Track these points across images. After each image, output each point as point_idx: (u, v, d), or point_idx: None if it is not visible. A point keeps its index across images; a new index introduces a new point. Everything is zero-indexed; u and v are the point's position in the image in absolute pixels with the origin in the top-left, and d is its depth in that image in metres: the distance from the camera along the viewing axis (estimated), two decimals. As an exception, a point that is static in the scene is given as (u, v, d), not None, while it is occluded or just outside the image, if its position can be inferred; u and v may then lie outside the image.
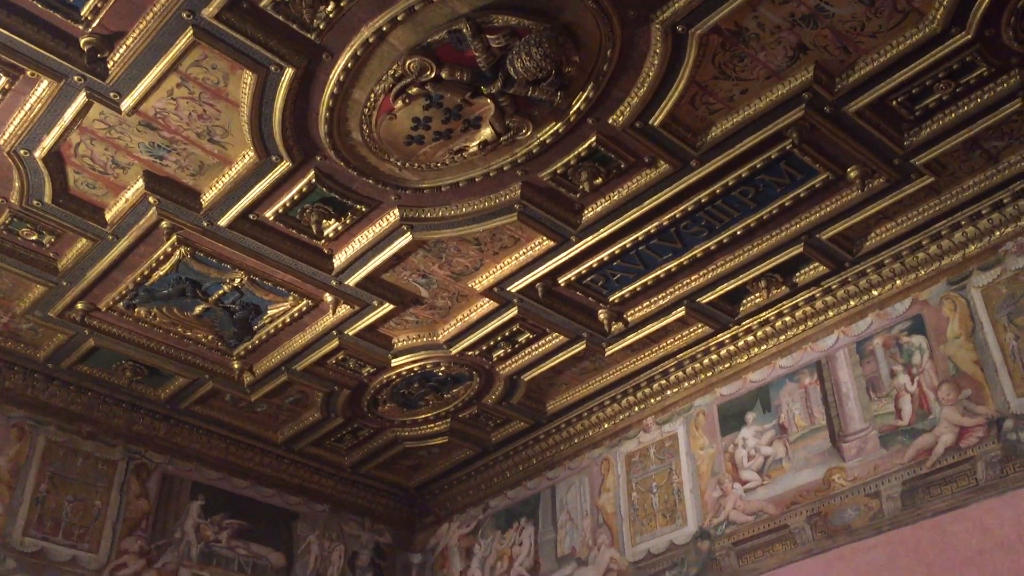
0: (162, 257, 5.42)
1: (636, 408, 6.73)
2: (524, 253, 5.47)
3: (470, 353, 6.32)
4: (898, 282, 5.54)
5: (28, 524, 6.05)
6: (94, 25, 3.99)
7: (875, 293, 5.64)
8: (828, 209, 5.18)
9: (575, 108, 4.47)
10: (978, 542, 4.77)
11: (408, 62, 4.12)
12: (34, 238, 5.27)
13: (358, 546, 7.65)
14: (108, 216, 5.10)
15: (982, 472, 4.87)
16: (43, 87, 4.31)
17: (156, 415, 6.80)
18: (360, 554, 7.63)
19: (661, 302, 5.93)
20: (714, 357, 6.30)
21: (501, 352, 6.35)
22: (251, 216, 5.10)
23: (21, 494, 6.09)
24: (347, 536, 7.62)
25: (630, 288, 5.80)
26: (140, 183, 4.87)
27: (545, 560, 6.93)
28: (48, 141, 4.60)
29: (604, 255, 5.44)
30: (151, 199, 4.93)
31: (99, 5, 3.91)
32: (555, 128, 4.58)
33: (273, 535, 7.19)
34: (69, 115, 4.44)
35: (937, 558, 4.90)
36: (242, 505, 7.11)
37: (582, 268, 5.57)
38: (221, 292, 5.75)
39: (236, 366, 6.40)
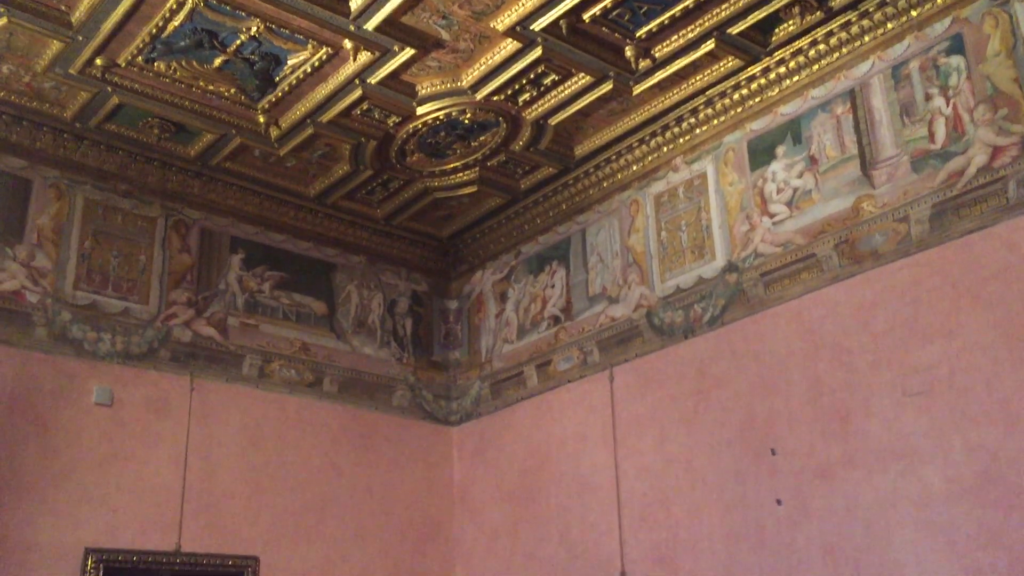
0: (175, 6, 5.30)
1: (665, 148, 6.69)
2: (547, -15, 5.26)
3: (495, 98, 6.24)
4: (938, 0, 5.30)
5: (78, 279, 6.32)
6: None
7: (914, 14, 5.40)
8: (867, -79, 4.87)
9: None
10: (1004, 258, 4.83)
11: None
12: (43, -10, 5.15)
13: (396, 294, 7.93)
14: (116, -38, 4.94)
15: (1013, 191, 4.85)
16: None
17: (189, 172, 6.89)
18: (399, 302, 7.92)
19: (690, 35, 5.73)
20: (744, 92, 6.18)
21: (527, 96, 6.26)
22: (261, -44, 4.92)
23: (67, 251, 6.32)
24: (385, 285, 7.88)
25: (658, 21, 5.60)
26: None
27: (577, 300, 7.15)
28: None
29: (630, -16, 5.22)
30: (157, -60, 4.75)
31: None
32: None
33: (314, 285, 7.45)
34: None
35: (962, 276, 4.98)
36: (281, 258, 7.33)
37: (607, 1, 5.37)
38: (238, 43, 5.65)
39: (262, 120, 6.39)
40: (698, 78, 6.18)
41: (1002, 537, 4.59)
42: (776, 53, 5.90)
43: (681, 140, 6.58)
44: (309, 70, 5.90)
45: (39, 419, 5.90)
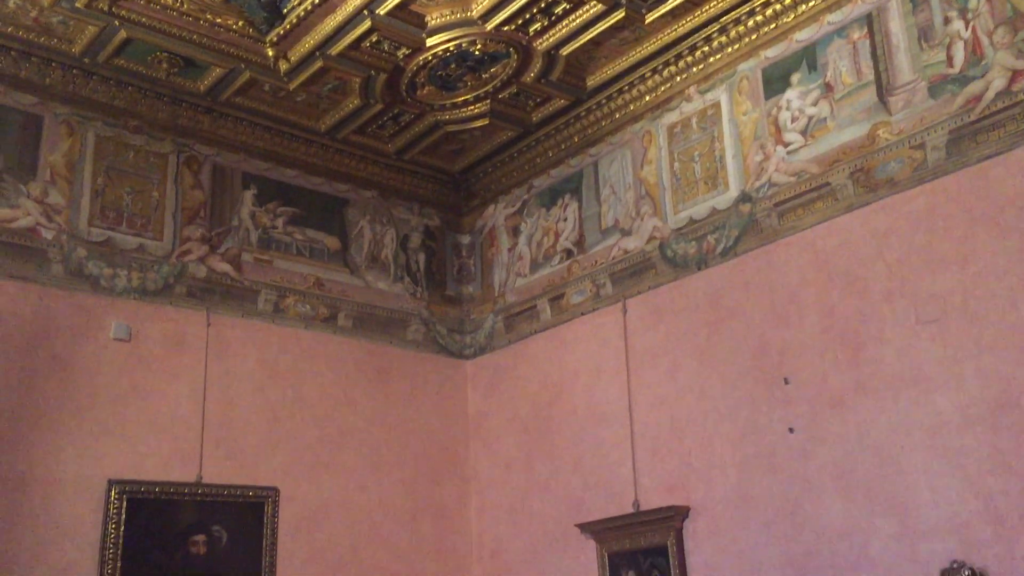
0: (177, -66, 5.23)
1: (678, 78, 6.61)
2: (557, -93, 5.16)
3: (506, 28, 6.16)
4: (959, -80, 5.18)
5: (92, 215, 6.34)
6: None
7: (933, -66, 5.29)
8: None
9: None
10: (1020, 184, 4.78)
11: None
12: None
13: (409, 229, 7.93)
14: None
15: (1032, 116, 4.79)
16: None
17: (199, 108, 6.85)
18: (411, 237, 7.92)
19: (703, -40, 5.64)
20: (759, 18, 6.07)
21: (538, 25, 6.17)
22: None
23: (80, 188, 6.33)
24: (397, 220, 7.88)
25: (670, -54, 5.50)
26: None
27: (590, 233, 7.14)
28: None
29: (642, -94, 5.11)
30: None
31: None
32: None
33: (326, 221, 7.45)
34: None
35: (978, 203, 4.94)
36: (293, 193, 7.32)
37: (619, -75, 5.27)
38: (245, -27, 5.59)
39: (270, 53, 6.34)
40: (712, 5, 6.08)
41: (1014, 463, 4.62)
42: (792, -23, 5.79)
43: (694, 69, 6.49)
44: (317, 1, 5.83)
45: (58, 354, 5.98)
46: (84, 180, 6.35)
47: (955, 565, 4.64)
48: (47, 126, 6.30)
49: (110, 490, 5.91)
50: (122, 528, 5.88)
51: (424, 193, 8.05)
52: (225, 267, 6.82)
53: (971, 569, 4.58)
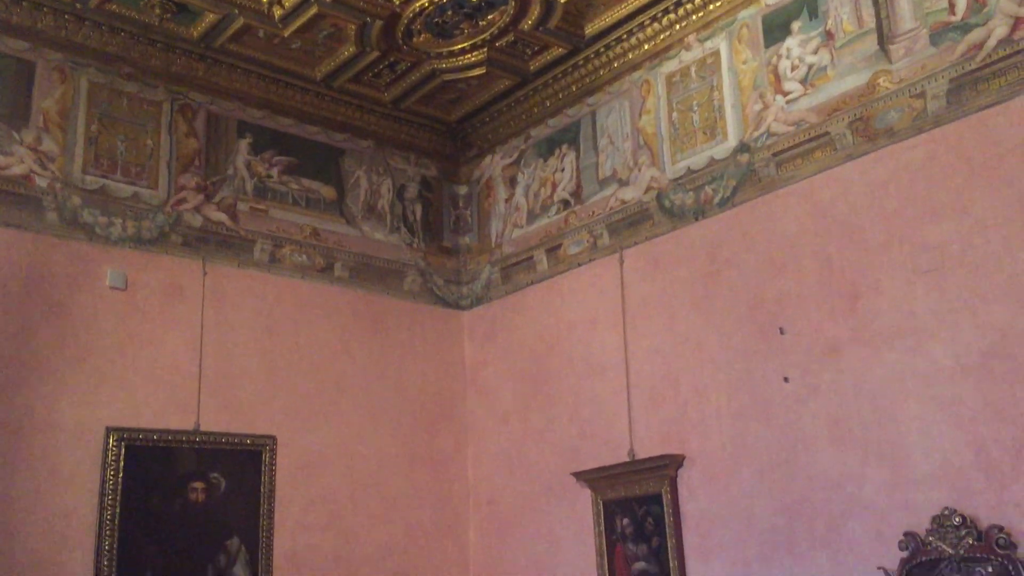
0: None
1: (677, 26, 6.53)
2: None
3: (504, -27, 6.08)
4: None
5: (86, 163, 6.28)
6: None
7: None
8: None
9: None
10: (1020, 133, 4.75)
11: None
12: None
13: (405, 179, 7.89)
14: None
15: (1033, 64, 4.75)
16: None
17: (192, 55, 6.76)
18: (408, 187, 7.88)
19: (705, -96, 5.55)
20: (760, -35, 6.00)
21: (536, -29, 6.09)
22: None
23: (74, 135, 6.27)
24: (394, 170, 7.83)
25: None
26: None
27: (587, 183, 7.11)
28: None
29: None
30: None
31: None
32: None
33: (322, 170, 7.40)
34: None
35: (977, 152, 4.92)
36: (289, 142, 7.27)
37: None
38: (239, -84, 5.49)
39: (265, -1, 6.26)
40: (713, -49, 6.00)
41: (1007, 412, 4.65)
42: (794, -77, 5.70)
43: (694, 17, 6.42)
44: (311, -56, 5.74)
45: (54, 302, 5.97)
46: (77, 127, 6.30)
47: (946, 512, 4.68)
48: (39, 72, 6.22)
49: (108, 437, 5.93)
50: (121, 475, 5.92)
51: (421, 143, 7.99)
52: (221, 216, 6.79)
53: (962, 516, 4.63)
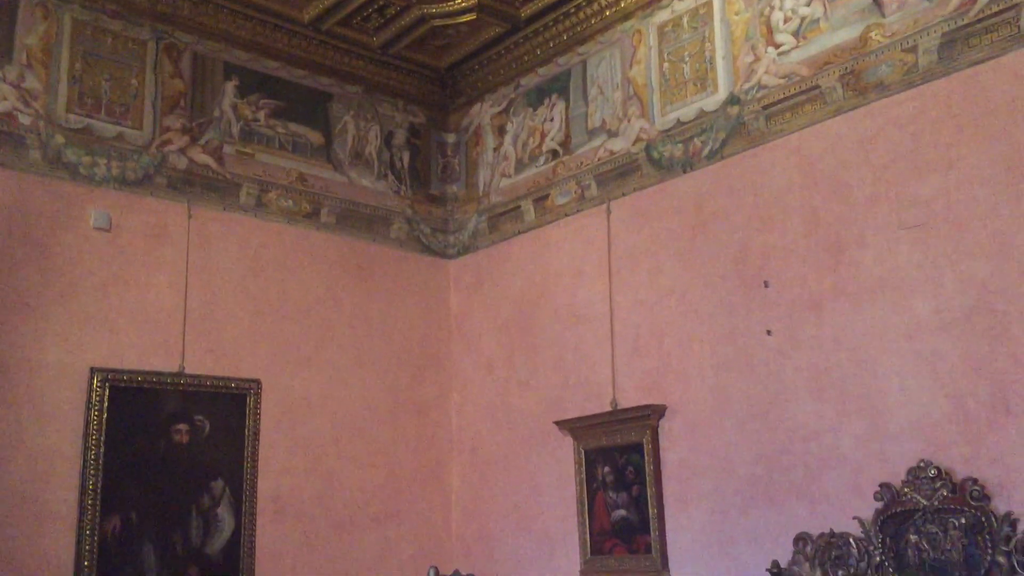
0: None
1: (671, -25, 6.48)
2: None
3: (496, -83, 5.99)
4: None
5: (70, 102, 6.20)
6: None
7: None
8: None
9: None
10: (1009, 89, 4.75)
11: None
12: None
13: (393, 126, 7.83)
14: None
15: (1026, 20, 4.73)
16: None
17: (178, -7, 6.68)
18: (396, 134, 7.83)
19: None
20: (756, -86, 5.92)
21: (529, -85, 6.01)
22: None
23: (57, 73, 6.17)
24: (382, 116, 7.77)
25: None
26: None
27: (576, 134, 7.07)
28: None
29: None
30: None
31: None
32: None
33: (310, 115, 7.33)
34: None
35: (967, 108, 4.91)
36: (276, 86, 7.18)
37: None
38: None
39: (253, -62, 6.15)
40: (708, -102, 5.92)
41: (985, 367, 4.71)
42: None
43: (688, -34, 6.36)
44: None
45: (38, 242, 5.93)
46: (61, 65, 6.20)
47: (922, 464, 4.75)
48: (22, 7, 6.10)
49: (92, 377, 5.94)
50: (105, 415, 5.93)
51: (410, 90, 7.92)
52: (206, 159, 6.73)
53: (937, 468, 4.70)
